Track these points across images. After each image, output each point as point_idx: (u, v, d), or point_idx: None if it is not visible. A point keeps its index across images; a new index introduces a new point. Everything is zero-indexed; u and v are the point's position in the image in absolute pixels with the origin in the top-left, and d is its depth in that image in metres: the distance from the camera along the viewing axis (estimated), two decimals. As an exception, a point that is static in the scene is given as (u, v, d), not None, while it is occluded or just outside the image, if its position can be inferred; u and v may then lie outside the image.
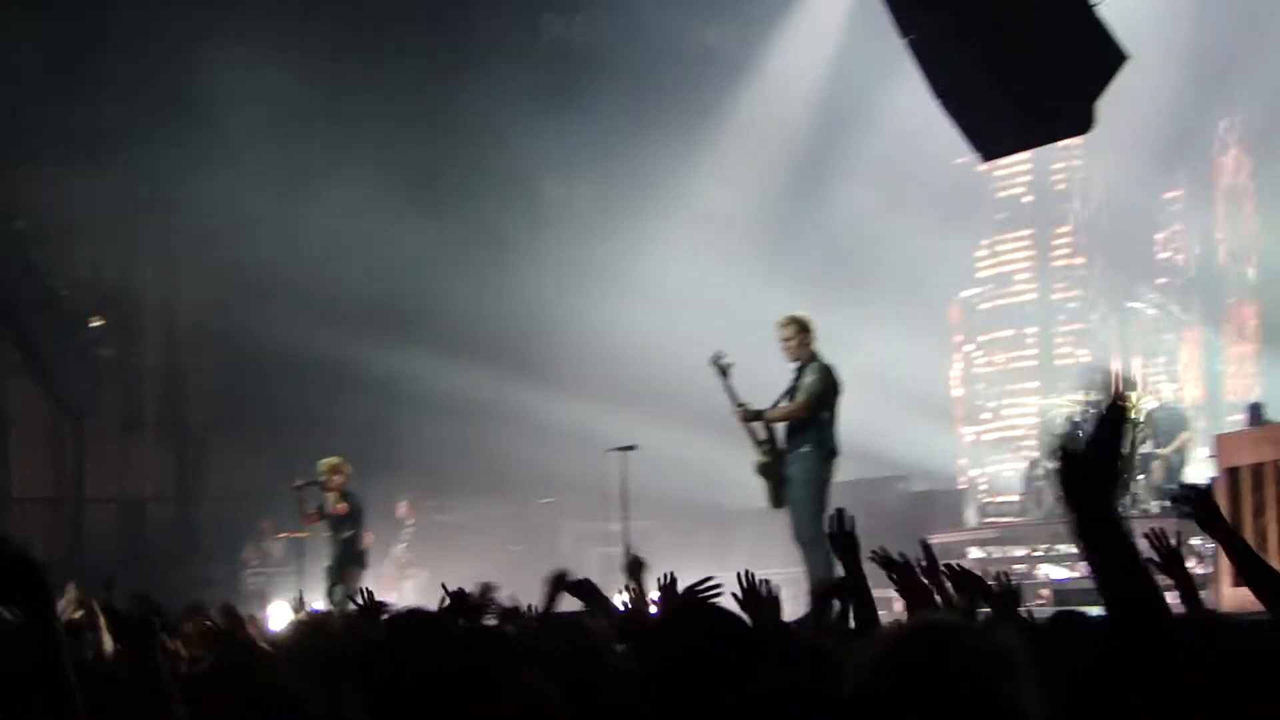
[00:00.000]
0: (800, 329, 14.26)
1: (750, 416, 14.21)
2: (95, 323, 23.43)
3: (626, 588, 8.97)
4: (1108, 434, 3.52)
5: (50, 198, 23.49)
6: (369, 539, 18.94)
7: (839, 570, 7.54)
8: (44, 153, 23.05)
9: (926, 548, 7.97)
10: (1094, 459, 3.51)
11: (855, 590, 7.15)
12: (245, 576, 22.09)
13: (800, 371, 14.25)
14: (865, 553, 7.38)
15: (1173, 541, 6.88)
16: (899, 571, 7.54)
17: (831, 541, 7.41)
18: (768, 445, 14.22)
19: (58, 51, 22.13)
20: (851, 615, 7.40)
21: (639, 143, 24.07)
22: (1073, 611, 6.53)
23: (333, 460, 18.78)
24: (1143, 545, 6.90)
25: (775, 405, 14.23)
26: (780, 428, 14.25)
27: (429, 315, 24.40)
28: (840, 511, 7.40)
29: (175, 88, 22.36)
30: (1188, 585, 6.90)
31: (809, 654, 5.40)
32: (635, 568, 8.47)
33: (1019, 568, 19.55)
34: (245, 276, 23.79)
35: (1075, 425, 3.72)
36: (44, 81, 22.26)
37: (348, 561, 18.28)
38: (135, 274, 24.49)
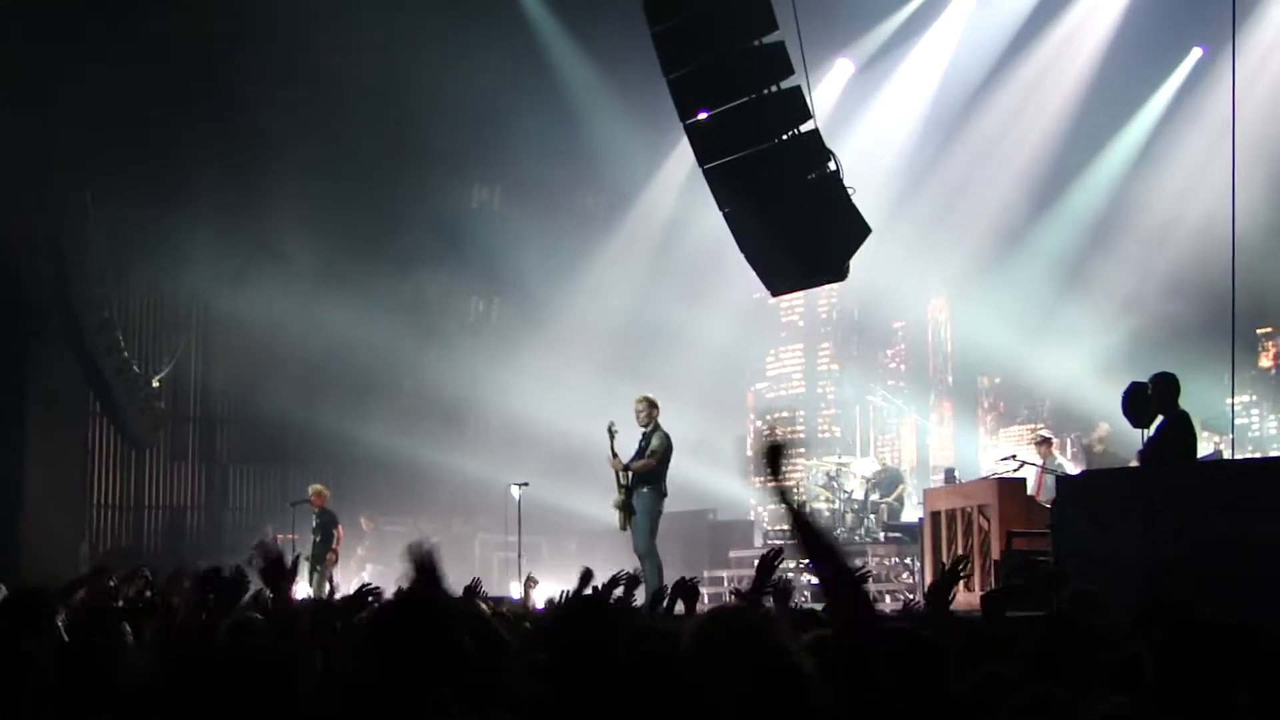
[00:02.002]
0: (650, 405, 14.20)
1: (622, 466, 14.14)
2: (154, 385, 23.35)
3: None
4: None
5: (129, 301, 23.20)
6: (340, 539, 18.73)
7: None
8: (128, 273, 22.60)
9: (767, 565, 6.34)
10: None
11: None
12: (254, 565, 21.79)
13: (648, 436, 14.19)
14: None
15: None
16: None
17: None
18: (625, 487, 14.16)
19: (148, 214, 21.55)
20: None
21: (538, 273, 24.01)
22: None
23: (316, 486, 18.89)
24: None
25: (633, 459, 14.16)
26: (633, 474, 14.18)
27: (387, 392, 24.14)
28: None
29: (213, 232, 21.81)
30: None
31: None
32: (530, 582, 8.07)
33: (790, 574, 19.72)
34: (259, 358, 23.30)
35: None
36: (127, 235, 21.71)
37: (323, 556, 18.12)
38: (183, 353, 24.17)
